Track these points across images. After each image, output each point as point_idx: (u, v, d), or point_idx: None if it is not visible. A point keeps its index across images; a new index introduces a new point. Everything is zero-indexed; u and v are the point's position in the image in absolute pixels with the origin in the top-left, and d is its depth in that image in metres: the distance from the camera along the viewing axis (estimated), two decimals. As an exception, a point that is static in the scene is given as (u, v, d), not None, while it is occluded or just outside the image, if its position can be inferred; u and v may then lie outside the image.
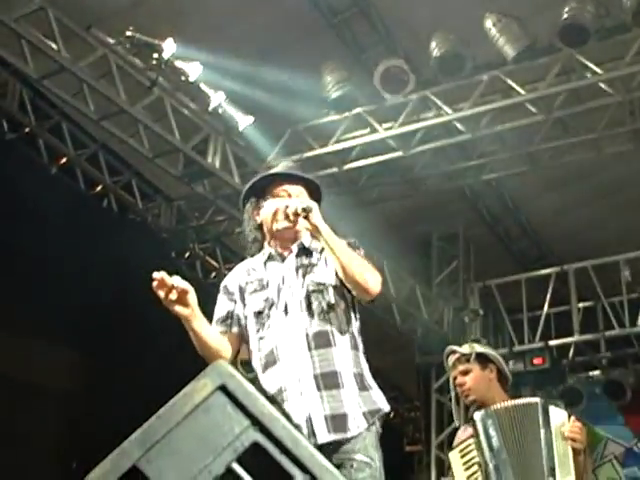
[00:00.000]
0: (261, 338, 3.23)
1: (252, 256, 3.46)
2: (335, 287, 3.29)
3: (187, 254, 9.25)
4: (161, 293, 3.07)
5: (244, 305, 3.32)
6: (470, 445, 4.24)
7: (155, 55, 6.59)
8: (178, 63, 6.75)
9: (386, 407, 3.20)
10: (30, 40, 6.38)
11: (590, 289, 9.62)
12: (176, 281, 3.07)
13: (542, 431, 4.10)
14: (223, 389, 1.61)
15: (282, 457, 1.55)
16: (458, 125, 7.68)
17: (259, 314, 3.26)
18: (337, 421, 3.06)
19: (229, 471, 1.56)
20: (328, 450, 2.99)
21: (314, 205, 3.24)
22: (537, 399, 4.29)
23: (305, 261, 3.35)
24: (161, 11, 6.83)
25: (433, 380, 9.94)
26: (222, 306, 3.37)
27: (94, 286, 7.06)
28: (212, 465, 1.54)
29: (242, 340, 3.34)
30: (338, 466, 2.97)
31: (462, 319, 9.76)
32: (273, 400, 3.09)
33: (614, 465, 9.62)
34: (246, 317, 3.31)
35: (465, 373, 4.50)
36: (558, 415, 4.17)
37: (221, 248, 9.40)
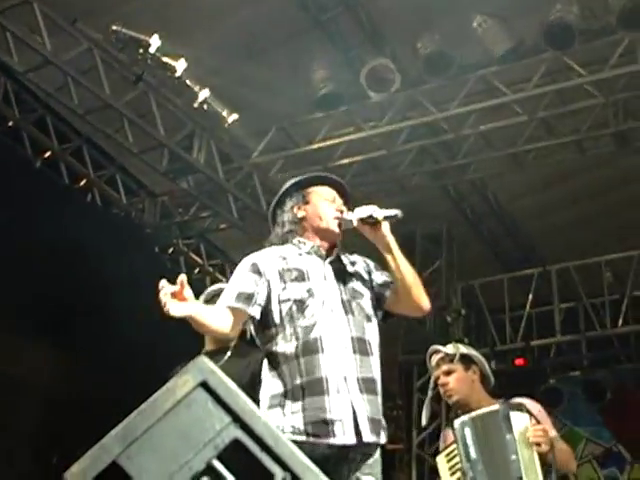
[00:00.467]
0: (301, 326, 3.25)
1: (272, 245, 3.55)
2: (370, 300, 3.43)
3: (171, 250, 9.23)
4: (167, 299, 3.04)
5: (282, 290, 3.32)
6: (455, 450, 4.25)
7: (141, 50, 6.57)
8: (164, 59, 6.74)
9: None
10: (15, 33, 6.35)
11: (572, 290, 9.67)
12: (173, 287, 3.06)
13: (506, 439, 4.09)
14: (204, 385, 1.61)
15: (263, 454, 1.55)
16: (443, 124, 7.70)
17: (301, 303, 3.28)
18: (376, 425, 3.20)
19: (209, 468, 1.56)
20: (369, 450, 3.19)
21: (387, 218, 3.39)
22: (497, 406, 4.26)
23: (342, 268, 3.46)
24: (147, 6, 6.80)
25: (415, 379, 9.96)
26: (249, 284, 3.33)
27: (77, 280, 7.03)
28: (193, 461, 1.54)
29: (248, 321, 3.34)
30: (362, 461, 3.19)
31: (445, 318, 9.78)
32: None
33: (593, 465, 9.68)
34: (281, 302, 3.30)
35: (448, 373, 4.52)
36: (520, 420, 4.14)
37: (205, 244, 9.39)
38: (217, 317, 3.24)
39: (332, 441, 3.09)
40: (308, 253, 3.45)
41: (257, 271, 3.37)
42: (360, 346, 3.27)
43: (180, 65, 6.78)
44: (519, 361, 9.84)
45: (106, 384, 6.95)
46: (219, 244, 9.50)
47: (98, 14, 6.74)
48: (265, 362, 3.33)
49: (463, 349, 4.62)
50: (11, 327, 7.05)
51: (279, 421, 3.13)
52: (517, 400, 4.43)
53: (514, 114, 7.41)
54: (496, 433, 4.13)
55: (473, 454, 4.13)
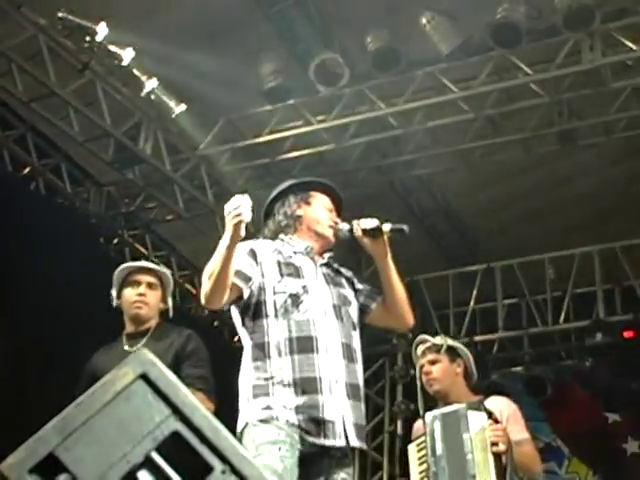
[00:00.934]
0: (295, 320, 3.28)
1: (265, 238, 3.56)
2: (357, 309, 3.52)
3: (116, 240, 9.12)
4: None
5: (278, 282, 3.34)
6: (424, 442, 4.29)
7: (87, 38, 6.49)
8: (111, 47, 6.67)
9: None
10: (-43, 17, 6.24)
11: (515, 286, 9.78)
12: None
13: (463, 438, 4.14)
14: (144, 377, 1.60)
15: (202, 447, 1.55)
16: (391, 120, 7.74)
17: (296, 297, 3.32)
18: (361, 431, 3.28)
19: (148, 460, 1.55)
20: (353, 454, 3.28)
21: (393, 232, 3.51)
22: (461, 405, 4.30)
23: (332, 273, 3.53)
24: (95, -7, 6.73)
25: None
26: (246, 266, 3.34)
27: (20, 270, 6.93)
28: (131, 454, 1.53)
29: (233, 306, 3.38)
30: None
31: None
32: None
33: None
34: (276, 293, 3.32)
35: (433, 363, 4.57)
36: (477, 420, 4.18)
37: (150, 235, 9.31)
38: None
39: (322, 441, 3.15)
40: (301, 253, 3.49)
41: (254, 257, 3.39)
42: (348, 352, 3.34)
43: (127, 54, 6.72)
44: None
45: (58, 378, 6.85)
46: (165, 235, 9.42)
47: (44, 0, 6.64)
48: (250, 351, 3.31)
49: (451, 341, 4.67)
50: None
51: (265, 412, 3.15)
52: (494, 400, 4.47)
53: (461, 111, 7.47)
54: (456, 431, 4.17)
55: (439, 449, 4.18)
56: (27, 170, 8.30)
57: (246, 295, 3.32)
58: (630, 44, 6.75)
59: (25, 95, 6.88)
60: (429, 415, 4.30)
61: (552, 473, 9.62)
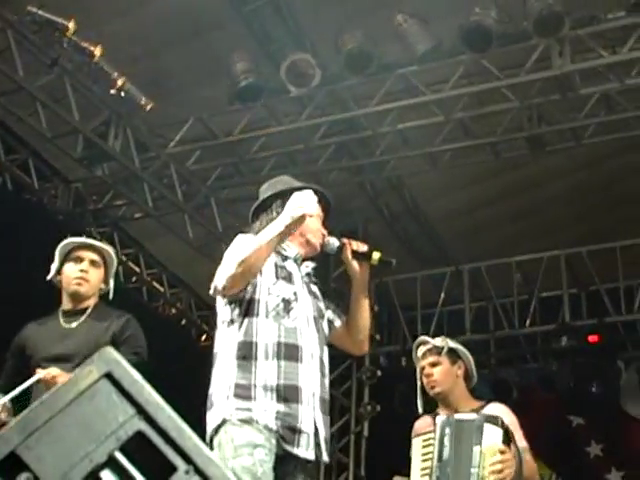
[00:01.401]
0: (285, 326, 3.27)
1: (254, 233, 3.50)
2: (326, 322, 3.52)
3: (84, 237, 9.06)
4: None
5: (273, 284, 3.33)
6: (432, 440, 4.28)
7: (57, 34, 6.44)
8: (80, 43, 6.61)
9: None
10: None
11: (483, 290, 9.84)
12: None
13: (473, 450, 4.09)
14: (109, 376, 1.59)
15: (166, 447, 1.54)
16: (362, 121, 7.75)
17: (288, 303, 3.31)
18: (328, 446, 3.28)
19: (111, 459, 1.53)
20: (318, 468, 3.31)
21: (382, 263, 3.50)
22: (476, 416, 4.26)
23: (312, 284, 3.52)
24: (66, -11, 6.67)
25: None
26: None
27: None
28: (94, 453, 1.52)
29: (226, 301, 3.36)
30: None
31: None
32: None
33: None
34: (270, 295, 3.31)
35: (434, 365, 4.55)
36: (492, 435, 4.13)
37: (119, 233, 9.26)
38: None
39: (295, 451, 3.15)
40: (291, 259, 3.47)
41: None
42: (321, 366, 3.35)
43: (97, 50, 6.66)
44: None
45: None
46: (133, 233, 9.38)
47: (14, -6, 6.59)
48: (235, 347, 3.27)
49: (451, 343, 4.66)
50: None
51: (245, 413, 3.14)
52: (495, 408, 4.47)
53: (432, 114, 7.50)
54: (467, 441, 4.13)
55: (445, 455, 4.15)
56: (-6, 165, 8.22)
57: (248, 287, 3.30)
58: (599, 50, 6.81)
59: (-8, 90, 6.82)
60: (441, 419, 4.28)
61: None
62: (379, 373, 9.81)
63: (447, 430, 4.20)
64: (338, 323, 3.56)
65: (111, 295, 4.51)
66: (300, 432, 3.16)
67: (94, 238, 8.90)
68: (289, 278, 3.39)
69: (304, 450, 3.17)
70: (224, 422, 3.15)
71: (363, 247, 3.49)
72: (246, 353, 3.23)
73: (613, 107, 7.39)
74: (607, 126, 7.58)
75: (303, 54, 7.16)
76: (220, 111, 7.84)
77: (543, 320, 9.53)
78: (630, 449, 9.50)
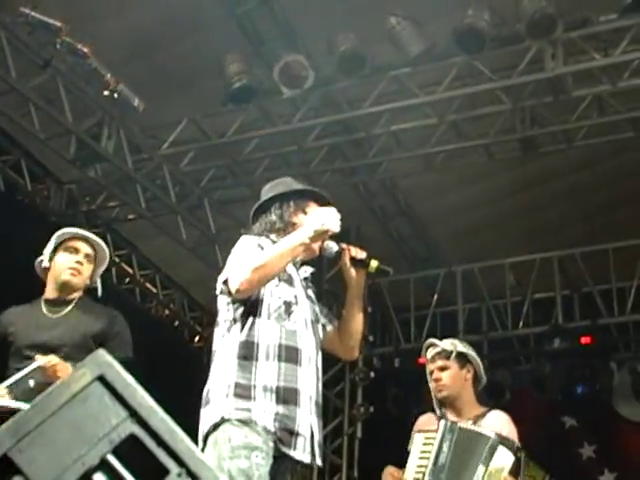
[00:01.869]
0: (286, 328, 3.28)
1: (253, 235, 3.50)
2: (321, 327, 3.52)
3: (76, 239, 9.04)
4: None
5: (275, 286, 3.33)
6: (433, 440, 4.28)
7: (50, 35, 6.42)
8: (74, 44, 6.60)
9: None
10: None
11: (476, 291, 9.85)
12: None
13: (478, 467, 4.10)
14: (102, 379, 1.59)
15: (159, 450, 1.54)
16: (355, 123, 7.76)
17: (289, 305, 3.32)
18: (320, 450, 3.28)
19: (104, 462, 1.53)
20: (311, 472, 3.31)
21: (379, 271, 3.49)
22: (493, 434, 4.27)
23: (308, 288, 3.51)
24: (59, -10, 6.66)
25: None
26: None
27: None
28: (86, 456, 1.51)
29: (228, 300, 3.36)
30: None
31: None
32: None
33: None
34: (272, 296, 3.32)
35: (443, 369, 4.57)
36: (502, 458, 4.15)
37: (112, 234, 9.23)
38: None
39: (292, 453, 3.15)
40: (291, 262, 3.46)
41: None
42: (317, 371, 3.36)
43: (91, 52, 6.65)
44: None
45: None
46: (126, 234, 9.37)
47: (7, -5, 6.58)
48: (237, 347, 3.26)
49: (461, 347, 4.67)
50: None
51: (244, 413, 3.13)
52: (496, 415, 4.48)
53: (425, 116, 7.51)
54: (474, 456, 4.15)
55: (442, 460, 4.16)
56: (-14, 166, 8.21)
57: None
58: (592, 53, 6.82)
59: (-15, 91, 6.80)
60: (445, 422, 4.29)
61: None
62: (372, 374, 9.81)
63: (448, 436, 4.21)
64: (330, 327, 3.57)
65: (99, 292, 4.50)
66: (297, 435, 3.17)
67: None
68: (290, 281, 3.39)
69: (300, 453, 3.17)
70: (222, 420, 3.14)
71: (362, 254, 3.47)
72: (247, 353, 3.23)
73: (605, 109, 7.40)
74: (599, 128, 7.60)
75: (296, 56, 7.16)
76: (213, 112, 7.84)
77: (536, 321, 9.54)
78: (623, 450, 9.52)
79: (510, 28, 6.78)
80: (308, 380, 3.27)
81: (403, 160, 8.21)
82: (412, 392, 9.28)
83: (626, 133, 7.56)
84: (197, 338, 10.49)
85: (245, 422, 3.11)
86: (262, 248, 3.35)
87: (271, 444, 3.11)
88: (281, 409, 3.15)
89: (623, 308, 9.16)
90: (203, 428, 3.20)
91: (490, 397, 9.78)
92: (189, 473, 1.52)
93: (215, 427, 3.15)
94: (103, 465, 1.52)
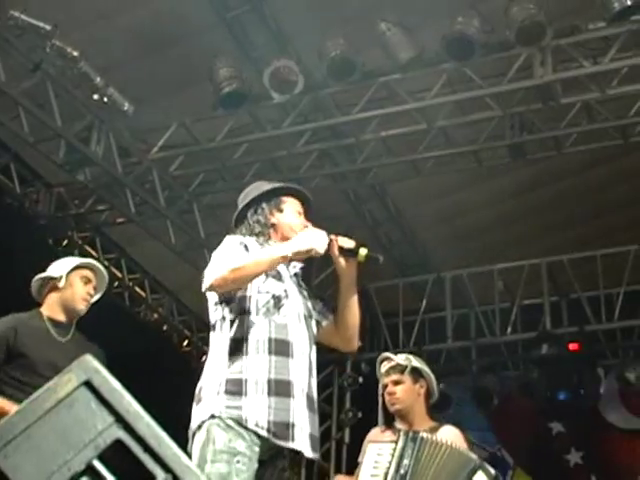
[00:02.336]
0: (275, 322, 3.28)
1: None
2: (314, 322, 3.51)
3: (65, 242, 9.03)
4: None
5: (262, 282, 3.33)
6: (389, 450, 4.31)
7: (40, 38, 6.41)
8: (64, 48, 6.60)
9: None
10: None
11: (464, 297, 9.86)
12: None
13: None
14: (88, 385, 1.59)
15: (145, 455, 1.54)
16: (345, 128, 7.77)
17: (278, 299, 3.32)
18: (316, 443, 3.29)
19: (90, 468, 1.53)
20: (300, 464, 3.26)
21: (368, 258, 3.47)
22: (475, 457, 4.36)
23: (300, 283, 3.52)
24: (49, -6, 6.65)
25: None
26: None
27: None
28: (72, 462, 1.51)
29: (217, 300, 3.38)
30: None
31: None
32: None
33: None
34: (260, 292, 3.32)
35: (397, 383, 4.61)
36: None
37: (101, 238, 9.23)
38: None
39: (291, 445, 3.14)
40: None
41: (247, 251, 3.37)
42: (310, 365, 3.35)
43: (81, 56, 6.65)
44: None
45: None
46: (115, 238, 9.35)
47: (-4, -2, 6.56)
48: (227, 344, 3.26)
49: (415, 362, 4.72)
50: None
51: (235, 411, 3.11)
52: (448, 430, 4.52)
53: (414, 122, 7.52)
54: (449, 473, 4.20)
55: (403, 470, 4.19)
56: (-25, 169, 8.19)
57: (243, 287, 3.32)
58: (581, 60, 6.85)
59: (-26, 94, 6.78)
60: (405, 433, 4.32)
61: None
62: (361, 380, 9.81)
63: (410, 445, 4.25)
64: (325, 322, 3.56)
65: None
66: (293, 426, 3.15)
67: (76, 243, 8.97)
68: (279, 276, 3.39)
69: (298, 443, 3.16)
70: (211, 418, 3.12)
71: (350, 243, 3.46)
72: (237, 349, 3.23)
73: (594, 116, 7.43)
74: (588, 135, 7.63)
75: (286, 61, 7.16)
76: (203, 117, 7.83)
77: (524, 328, 9.56)
78: (610, 457, 9.54)
79: (499, 35, 6.80)
80: (301, 373, 3.26)
81: (392, 166, 8.22)
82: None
83: (615, 140, 7.59)
84: (186, 342, 10.47)
85: (233, 422, 3.09)
86: (246, 247, 3.36)
87: (256, 449, 3.08)
88: (274, 402, 3.14)
89: (611, 314, 9.19)
90: (192, 425, 3.19)
91: (478, 403, 9.84)
92: (175, 479, 1.52)
93: (203, 424, 3.14)
94: (89, 471, 1.53)
